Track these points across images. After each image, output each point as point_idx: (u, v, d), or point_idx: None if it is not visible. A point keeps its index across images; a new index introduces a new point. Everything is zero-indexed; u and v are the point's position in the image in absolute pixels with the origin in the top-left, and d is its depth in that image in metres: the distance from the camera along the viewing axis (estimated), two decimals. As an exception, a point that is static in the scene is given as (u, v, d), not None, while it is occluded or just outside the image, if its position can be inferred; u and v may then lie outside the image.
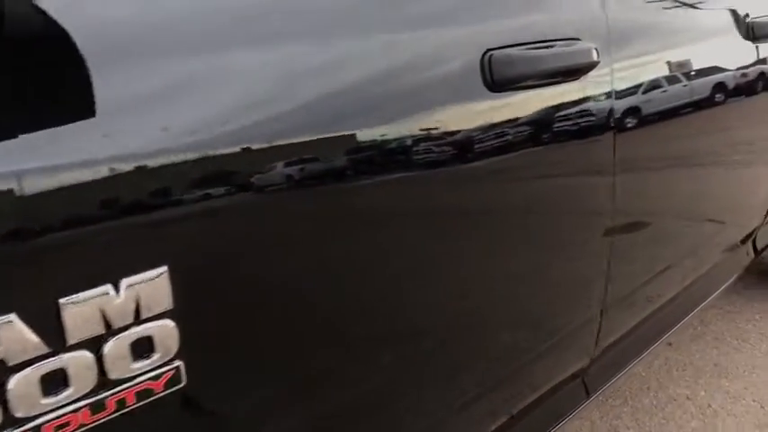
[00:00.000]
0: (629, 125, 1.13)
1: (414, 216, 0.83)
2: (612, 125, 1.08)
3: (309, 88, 0.71)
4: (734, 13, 1.53)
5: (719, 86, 1.36)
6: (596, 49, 1.01)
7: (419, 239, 0.85)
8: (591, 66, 1.01)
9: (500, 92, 0.88)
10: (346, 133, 0.74)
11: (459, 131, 0.85)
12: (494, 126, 0.89)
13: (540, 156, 0.98)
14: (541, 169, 0.99)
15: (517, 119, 0.92)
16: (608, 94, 1.08)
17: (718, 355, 2.28)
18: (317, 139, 0.71)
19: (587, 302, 1.18)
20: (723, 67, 1.39)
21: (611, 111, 1.08)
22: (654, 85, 1.18)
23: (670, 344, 2.36)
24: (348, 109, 0.74)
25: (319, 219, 0.72)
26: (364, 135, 0.76)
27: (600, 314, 1.20)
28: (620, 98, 1.10)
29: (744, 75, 1.47)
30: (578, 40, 1.02)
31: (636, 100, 1.14)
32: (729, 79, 1.41)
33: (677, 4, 1.31)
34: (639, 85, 1.15)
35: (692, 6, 1.35)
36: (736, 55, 1.46)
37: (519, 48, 0.91)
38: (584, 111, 1.04)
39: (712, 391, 2.09)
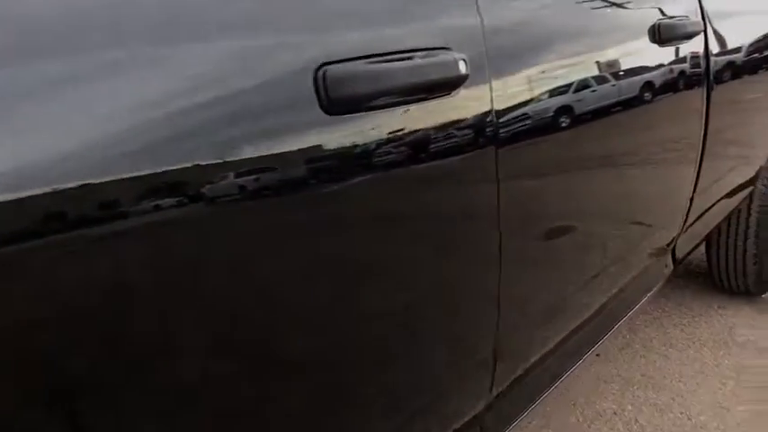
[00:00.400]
0: (513, 139, 0.97)
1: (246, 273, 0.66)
2: (493, 141, 0.93)
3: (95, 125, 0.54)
4: (639, 13, 1.40)
5: (614, 95, 1.21)
6: (465, 60, 0.85)
7: (250, 291, 0.68)
8: (460, 79, 0.85)
9: (341, 114, 0.72)
10: (141, 174, 0.57)
11: (289, 166, 0.68)
12: (334, 155, 0.72)
13: (400, 185, 0.81)
14: (402, 200, 0.83)
15: (367, 144, 0.75)
16: (487, 109, 0.92)
17: (646, 363, 2.16)
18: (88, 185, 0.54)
19: (474, 343, 1.02)
20: (621, 73, 1.25)
21: (490, 125, 0.92)
22: (541, 95, 1.03)
23: (598, 355, 2.23)
24: (150, 143, 0.57)
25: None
26: (173, 176, 0.59)
27: (493, 354, 1.04)
28: (502, 111, 0.94)
29: (646, 81, 1.33)
30: (448, 49, 0.85)
31: (520, 112, 0.98)
32: (627, 87, 1.27)
33: (569, 5, 1.15)
34: (524, 96, 0.99)
35: (587, 8, 1.20)
36: (638, 60, 1.32)
37: (363, 61, 0.74)
38: (458, 128, 0.88)
39: (639, 404, 1.96)
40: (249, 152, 0.65)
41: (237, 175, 0.64)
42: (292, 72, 0.69)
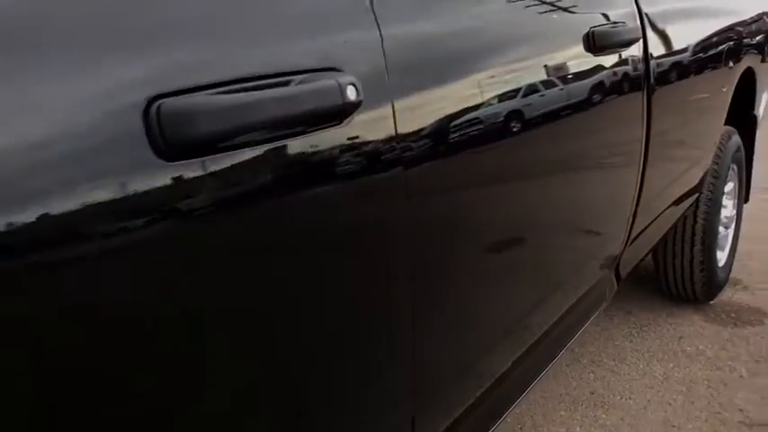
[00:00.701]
0: (422, 161, 0.82)
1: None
2: (397, 166, 0.78)
3: None
4: (571, 21, 1.26)
5: (541, 109, 1.07)
6: (354, 84, 0.69)
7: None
8: (350, 105, 0.69)
9: (182, 159, 0.56)
10: None
11: (113, 226, 0.52)
12: (174, 211, 0.56)
13: (274, 236, 0.65)
14: (282, 251, 0.67)
15: (222, 193, 0.59)
16: (389, 134, 0.77)
17: (595, 380, 2.04)
18: None
19: (384, 403, 0.87)
20: (550, 85, 1.11)
21: (394, 151, 0.77)
22: (456, 114, 0.88)
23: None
24: None
25: None
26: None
27: (411, 418, 0.89)
28: (407, 134, 0.79)
29: (579, 93, 1.20)
30: (335, 71, 0.70)
31: (429, 132, 0.83)
32: (557, 99, 1.13)
33: (489, 13, 1.00)
34: (435, 115, 0.84)
35: (510, 17, 1.05)
36: (569, 70, 1.18)
37: (213, 90, 0.58)
38: (352, 160, 0.73)
39: (588, 425, 1.84)
40: (59, 209, 0.49)
41: (46, 238, 0.49)
42: (115, 108, 0.53)
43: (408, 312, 0.86)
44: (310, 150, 0.68)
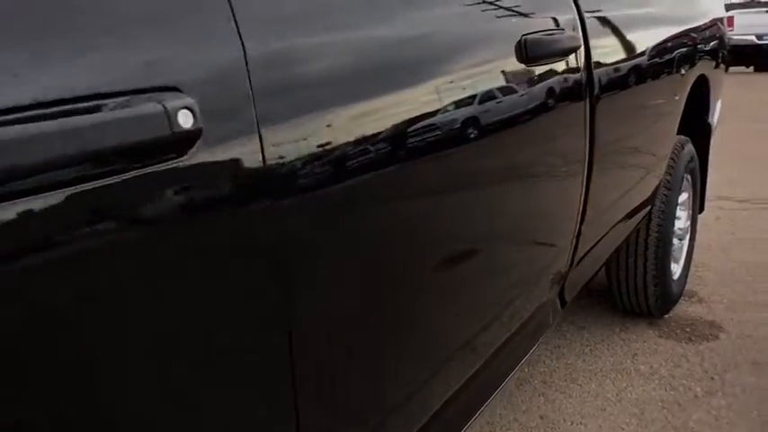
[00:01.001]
0: (297, 194, 0.67)
1: None
2: (264, 199, 0.64)
3: None
4: (499, 28, 1.13)
5: (458, 132, 0.93)
6: (191, 109, 0.55)
7: None
8: (186, 135, 0.55)
9: None
10: None
11: None
12: None
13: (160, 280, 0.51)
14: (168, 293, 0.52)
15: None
16: (255, 163, 0.62)
17: (545, 403, 1.92)
18: None
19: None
20: (468, 104, 0.96)
21: (261, 183, 0.63)
22: (345, 144, 0.74)
23: (494, 395, 1.99)
24: None
25: None
26: None
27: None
28: (279, 164, 0.65)
29: (505, 111, 1.07)
30: (176, 90, 0.56)
31: (309, 166, 0.69)
32: (479, 119, 0.99)
33: (395, 22, 0.86)
34: (314, 146, 0.70)
35: (416, 26, 0.90)
36: (494, 84, 1.04)
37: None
38: (199, 198, 0.59)
39: (536, 455, 1.73)
40: None
41: None
42: None
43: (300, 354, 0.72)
44: (128, 194, 0.53)
